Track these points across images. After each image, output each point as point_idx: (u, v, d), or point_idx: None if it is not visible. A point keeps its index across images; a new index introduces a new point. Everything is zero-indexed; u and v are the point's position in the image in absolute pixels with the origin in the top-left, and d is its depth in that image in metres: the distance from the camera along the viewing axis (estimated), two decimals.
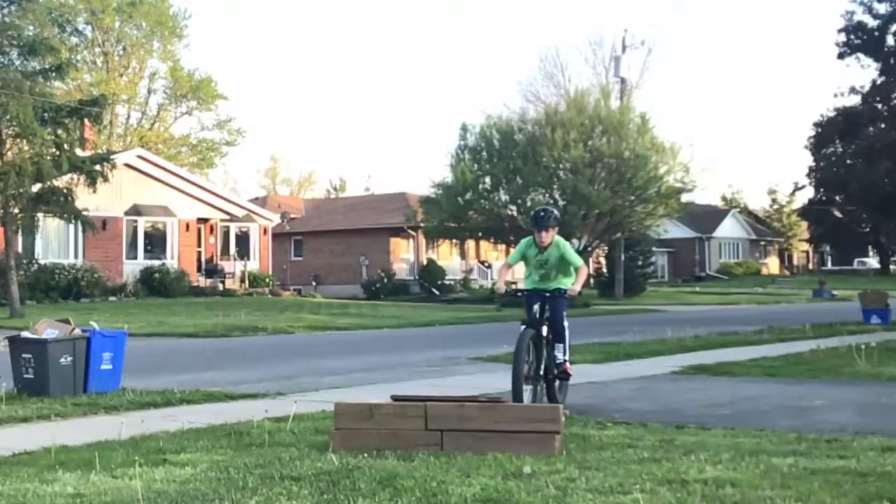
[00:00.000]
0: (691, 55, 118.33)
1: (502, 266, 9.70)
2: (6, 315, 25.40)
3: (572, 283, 9.06)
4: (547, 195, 39.79)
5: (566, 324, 9.07)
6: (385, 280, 48.55)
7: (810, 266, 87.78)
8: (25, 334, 10.39)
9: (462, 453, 6.21)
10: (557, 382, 9.05)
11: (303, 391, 10.62)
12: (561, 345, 8.97)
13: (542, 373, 8.63)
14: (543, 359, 8.65)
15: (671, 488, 5.16)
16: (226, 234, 42.78)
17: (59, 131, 27.00)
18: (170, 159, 51.44)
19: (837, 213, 73.39)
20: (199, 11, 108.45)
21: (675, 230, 60.14)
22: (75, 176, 27.01)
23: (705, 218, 69.65)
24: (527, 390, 8.33)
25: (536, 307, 8.80)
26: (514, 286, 9.97)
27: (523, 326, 8.56)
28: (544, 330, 8.71)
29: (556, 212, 9.34)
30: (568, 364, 9.09)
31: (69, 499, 5.18)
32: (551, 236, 9.06)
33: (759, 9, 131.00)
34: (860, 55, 64.18)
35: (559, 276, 9.14)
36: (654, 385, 11.13)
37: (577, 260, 9.20)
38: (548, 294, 8.89)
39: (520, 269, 9.84)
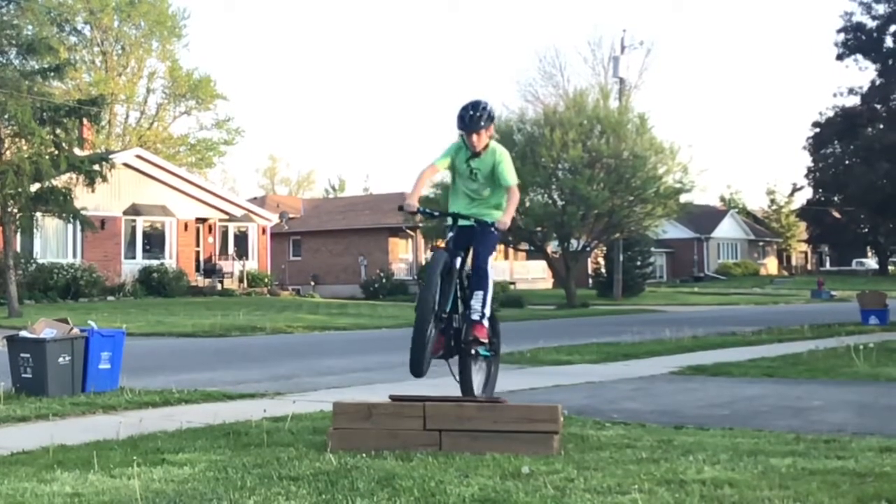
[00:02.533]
0: (690, 56, 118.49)
1: (423, 170, 7.28)
2: (4, 314, 25.40)
3: (500, 215, 7.16)
4: (546, 195, 39.80)
5: (491, 270, 7.17)
6: (384, 280, 48.55)
7: (809, 266, 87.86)
8: (24, 334, 10.37)
9: (460, 453, 6.21)
10: (476, 364, 7.28)
11: (301, 391, 10.61)
12: (480, 293, 7.01)
13: (444, 314, 6.88)
14: (450, 300, 6.88)
15: (669, 488, 5.15)
16: (224, 233, 42.78)
17: (58, 131, 26.99)
18: (168, 159, 51.46)
19: (836, 214, 73.50)
20: (197, 11, 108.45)
21: (673, 230, 60.17)
22: (74, 175, 27.02)
23: (704, 218, 69.71)
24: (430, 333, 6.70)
25: (451, 234, 7.07)
26: (431, 211, 7.76)
27: (433, 252, 6.98)
28: (458, 261, 6.99)
29: (489, 106, 7.12)
30: (485, 325, 6.98)
31: (67, 498, 5.17)
32: (485, 139, 7.12)
33: (759, 9, 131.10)
34: (859, 56, 64.27)
35: (491, 203, 7.29)
36: (653, 385, 11.12)
37: (511, 177, 7.17)
38: (480, 221, 7.07)
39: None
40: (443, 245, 7.04)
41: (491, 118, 7.08)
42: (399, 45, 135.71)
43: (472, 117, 6.98)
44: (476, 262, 7.07)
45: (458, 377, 7.11)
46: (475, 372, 7.17)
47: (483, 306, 6.95)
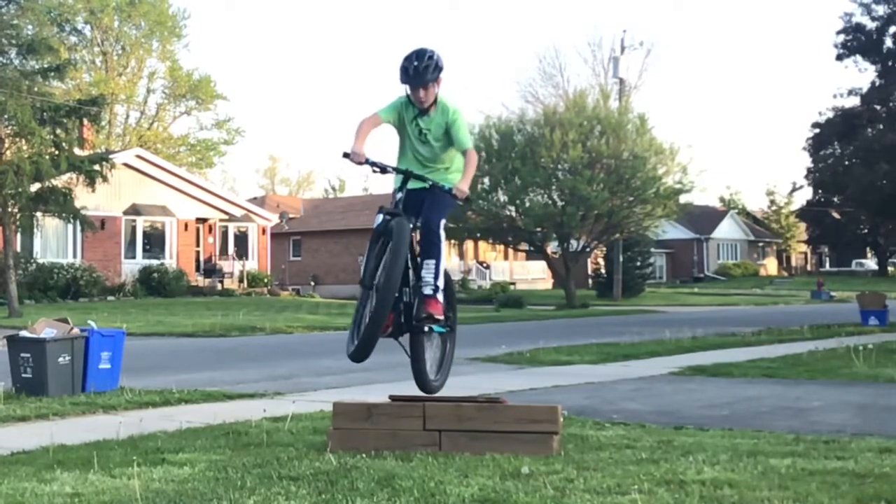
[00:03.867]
0: (690, 56, 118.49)
1: (364, 119, 6.26)
2: (5, 314, 25.40)
3: (457, 180, 6.26)
4: (545, 195, 39.81)
5: (443, 237, 6.31)
6: None
7: (808, 267, 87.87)
8: (24, 333, 10.38)
9: (460, 453, 6.21)
10: (429, 341, 6.45)
11: (301, 391, 10.61)
12: (432, 263, 6.18)
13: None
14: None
15: (669, 489, 5.16)
16: (224, 233, 42.79)
17: (58, 131, 27.00)
18: (168, 159, 51.47)
19: (836, 215, 73.51)
20: (198, 11, 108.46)
21: (673, 231, 60.20)
22: (74, 175, 27.03)
23: (703, 219, 69.75)
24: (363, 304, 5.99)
25: (400, 196, 6.17)
26: (381, 164, 6.26)
27: (380, 215, 6.05)
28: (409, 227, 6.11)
29: (436, 54, 6.10)
30: (440, 299, 6.15)
31: (67, 498, 5.17)
32: (433, 94, 6.14)
33: (758, 10, 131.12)
34: (858, 57, 64.28)
35: (448, 168, 6.41)
36: (653, 386, 11.13)
37: (467, 140, 6.23)
38: (428, 186, 6.17)
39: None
40: (393, 210, 6.08)
41: (439, 68, 6.05)
42: (399, 45, 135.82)
43: (418, 68, 5.97)
44: (427, 227, 6.13)
45: (409, 356, 6.33)
46: (428, 349, 6.35)
47: (436, 278, 6.11)
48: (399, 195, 6.09)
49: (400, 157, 6.47)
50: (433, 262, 6.14)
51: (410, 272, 6.05)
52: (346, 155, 6.00)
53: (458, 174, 6.29)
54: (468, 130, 6.33)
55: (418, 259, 6.23)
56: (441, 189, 6.11)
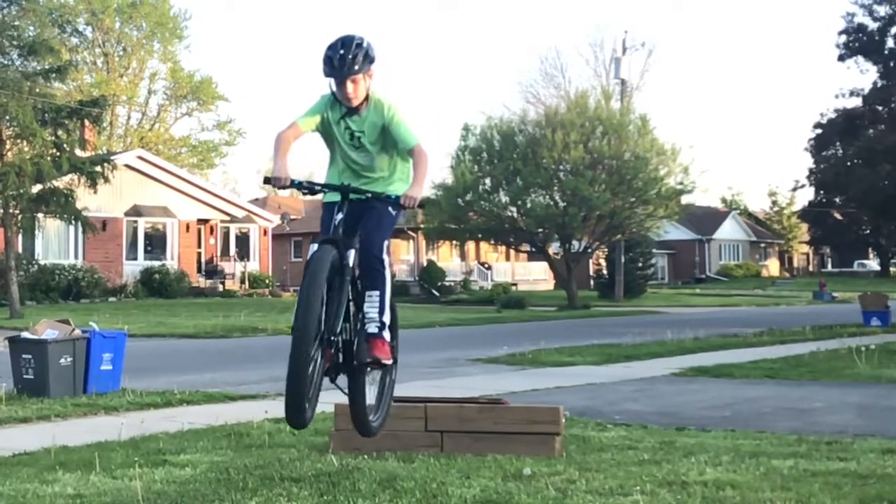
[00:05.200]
0: (692, 57, 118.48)
1: (281, 132, 5.24)
2: (6, 315, 25.40)
3: (404, 188, 5.17)
4: (547, 196, 39.82)
5: (388, 261, 5.22)
6: None
7: (810, 268, 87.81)
8: (25, 335, 10.39)
9: (462, 454, 6.21)
10: (371, 377, 5.34)
11: None
12: (376, 295, 5.12)
13: (333, 336, 4.88)
14: (341, 313, 4.93)
15: (671, 490, 5.15)
16: (226, 234, 42.79)
17: (60, 132, 27.01)
18: (170, 160, 51.47)
19: (837, 216, 73.51)
20: (199, 12, 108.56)
21: (675, 232, 60.14)
22: (75, 177, 27.04)
23: (705, 220, 69.71)
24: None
25: (340, 216, 4.99)
26: (310, 183, 5.23)
27: (315, 245, 4.86)
28: (350, 256, 4.98)
29: (366, 42, 5.06)
30: (387, 338, 5.16)
31: (69, 499, 5.17)
32: (363, 89, 5.09)
33: (760, 10, 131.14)
34: (860, 58, 64.28)
35: (389, 178, 5.33)
36: (654, 387, 11.12)
37: (412, 136, 5.16)
38: (366, 198, 5.09)
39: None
40: (329, 238, 4.96)
41: (370, 58, 5.03)
42: (399, 45, 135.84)
43: (344, 58, 4.93)
44: (368, 252, 5.11)
45: (347, 397, 5.25)
46: (368, 385, 5.28)
47: (381, 312, 5.12)
48: (339, 216, 5.00)
49: (330, 169, 5.44)
50: (377, 293, 5.11)
51: (351, 305, 5.04)
52: (267, 180, 5.13)
53: (402, 183, 5.27)
54: (412, 125, 5.21)
55: (359, 290, 5.16)
56: (383, 201, 5.08)
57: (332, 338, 4.85)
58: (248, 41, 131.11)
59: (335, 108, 5.16)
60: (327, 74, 5.01)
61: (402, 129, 5.12)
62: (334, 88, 5.07)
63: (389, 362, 5.25)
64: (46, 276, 33.33)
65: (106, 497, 5.21)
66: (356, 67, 4.95)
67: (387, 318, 5.16)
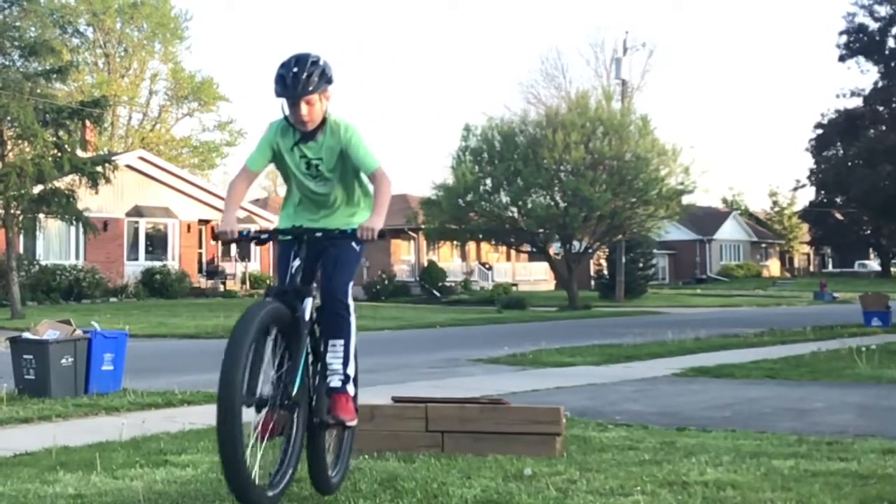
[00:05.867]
0: (692, 57, 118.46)
1: (233, 181, 4.92)
2: (7, 316, 25.42)
3: (366, 218, 4.74)
4: (548, 197, 39.83)
5: (353, 307, 4.78)
6: (386, 282, 48.56)
7: (811, 268, 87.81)
8: (26, 335, 10.40)
9: (463, 455, 6.22)
10: (334, 434, 4.91)
11: None
12: (339, 344, 4.71)
13: (288, 400, 4.38)
14: (299, 371, 4.41)
15: (672, 490, 5.16)
16: None
17: (61, 133, 27.03)
18: (171, 161, 51.50)
19: (838, 216, 73.50)
20: (200, 13, 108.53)
21: (675, 232, 60.14)
22: (76, 177, 27.06)
23: (706, 220, 69.72)
24: (250, 439, 4.21)
25: (297, 263, 4.56)
26: (258, 233, 4.74)
27: (268, 298, 4.42)
28: (307, 308, 4.49)
29: (322, 60, 4.66)
30: (351, 393, 4.75)
31: (70, 500, 5.18)
32: (319, 111, 4.66)
33: (761, 11, 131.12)
34: (861, 58, 64.24)
35: (349, 207, 4.91)
36: (655, 387, 11.13)
37: (372, 159, 4.70)
38: (321, 235, 4.64)
39: None
40: (284, 289, 4.51)
41: (327, 78, 4.62)
42: (400, 45, 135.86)
43: (297, 76, 4.52)
44: (330, 296, 4.68)
45: (307, 454, 4.70)
46: (327, 438, 4.83)
47: (345, 364, 4.68)
48: (295, 262, 4.54)
49: (286, 203, 5.00)
50: (341, 342, 4.67)
51: (309, 356, 4.55)
52: (215, 237, 4.71)
53: (367, 212, 4.81)
54: (372, 147, 4.74)
55: (319, 339, 4.71)
56: (341, 237, 4.61)
57: (287, 402, 4.35)
58: (249, 41, 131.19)
59: (287, 134, 4.74)
60: (279, 94, 4.59)
61: (362, 152, 4.70)
62: (287, 111, 4.65)
63: (354, 423, 4.79)
64: (47, 276, 33.36)
65: (107, 497, 5.22)
66: (311, 87, 4.55)
67: (351, 371, 4.74)
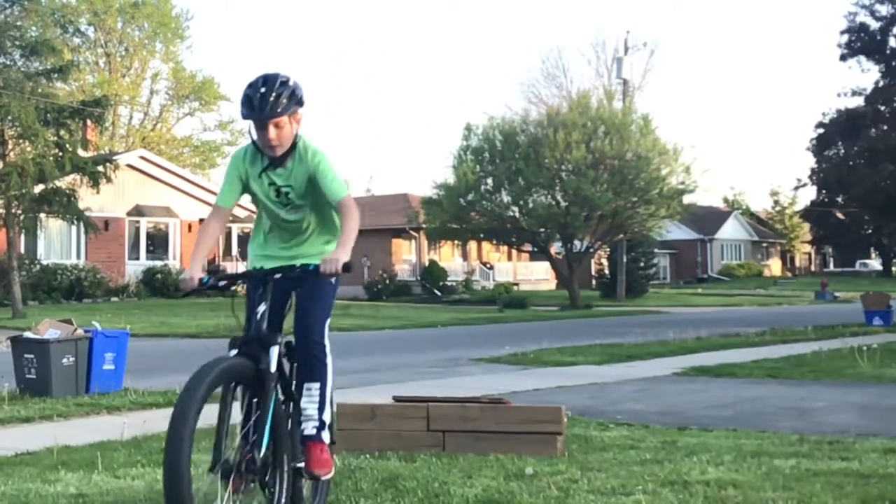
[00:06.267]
0: (694, 57, 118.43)
1: (204, 224, 4.68)
2: (8, 315, 25.42)
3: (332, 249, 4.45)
4: (549, 196, 39.83)
5: (329, 348, 4.60)
6: (387, 281, 48.57)
7: (812, 268, 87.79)
8: (28, 335, 10.40)
9: (464, 454, 6.22)
10: (308, 483, 4.58)
11: None
12: (315, 388, 4.48)
13: (255, 464, 4.12)
14: (265, 430, 4.10)
15: (673, 489, 5.16)
16: (228, 234, 42.81)
17: (62, 132, 27.02)
18: (172, 160, 51.50)
19: (840, 215, 73.50)
20: (201, 13, 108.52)
21: (676, 232, 60.14)
22: (78, 177, 27.06)
23: (707, 219, 69.69)
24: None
25: (262, 308, 4.22)
26: (219, 280, 4.36)
27: (233, 351, 4.26)
28: (272, 358, 4.15)
29: (292, 81, 4.35)
30: (326, 441, 4.50)
31: (71, 499, 5.18)
32: (288, 134, 4.35)
33: (762, 10, 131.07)
34: (862, 57, 64.25)
35: (322, 235, 4.63)
36: (656, 386, 11.12)
37: (340, 187, 4.39)
38: (295, 272, 4.29)
39: None
40: (249, 339, 4.22)
41: (297, 100, 4.32)
42: (400, 46, 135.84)
43: (265, 97, 4.23)
44: (305, 337, 4.46)
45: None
46: (303, 483, 4.55)
47: (321, 409, 4.44)
48: (261, 307, 4.21)
49: (255, 233, 4.80)
50: (317, 386, 4.43)
51: (275, 399, 4.21)
52: (176, 288, 4.66)
53: (334, 241, 4.54)
54: (339, 175, 4.43)
55: (293, 382, 4.48)
56: (303, 274, 4.27)
57: (253, 466, 4.08)
58: (250, 41, 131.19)
59: (256, 160, 4.44)
60: (245, 116, 4.29)
61: (329, 179, 4.37)
62: (254, 134, 4.35)
63: (329, 476, 4.49)
64: (48, 276, 33.36)
65: (108, 497, 5.22)
66: (279, 109, 4.24)
67: (327, 417, 4.50)
